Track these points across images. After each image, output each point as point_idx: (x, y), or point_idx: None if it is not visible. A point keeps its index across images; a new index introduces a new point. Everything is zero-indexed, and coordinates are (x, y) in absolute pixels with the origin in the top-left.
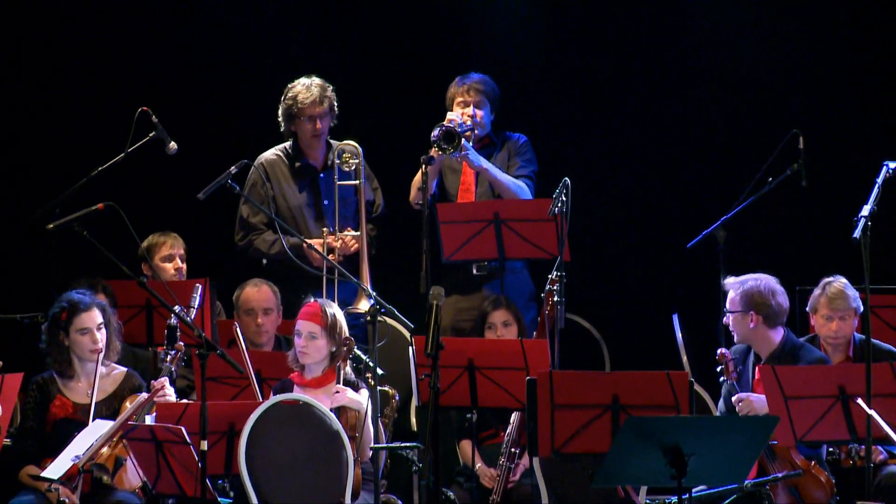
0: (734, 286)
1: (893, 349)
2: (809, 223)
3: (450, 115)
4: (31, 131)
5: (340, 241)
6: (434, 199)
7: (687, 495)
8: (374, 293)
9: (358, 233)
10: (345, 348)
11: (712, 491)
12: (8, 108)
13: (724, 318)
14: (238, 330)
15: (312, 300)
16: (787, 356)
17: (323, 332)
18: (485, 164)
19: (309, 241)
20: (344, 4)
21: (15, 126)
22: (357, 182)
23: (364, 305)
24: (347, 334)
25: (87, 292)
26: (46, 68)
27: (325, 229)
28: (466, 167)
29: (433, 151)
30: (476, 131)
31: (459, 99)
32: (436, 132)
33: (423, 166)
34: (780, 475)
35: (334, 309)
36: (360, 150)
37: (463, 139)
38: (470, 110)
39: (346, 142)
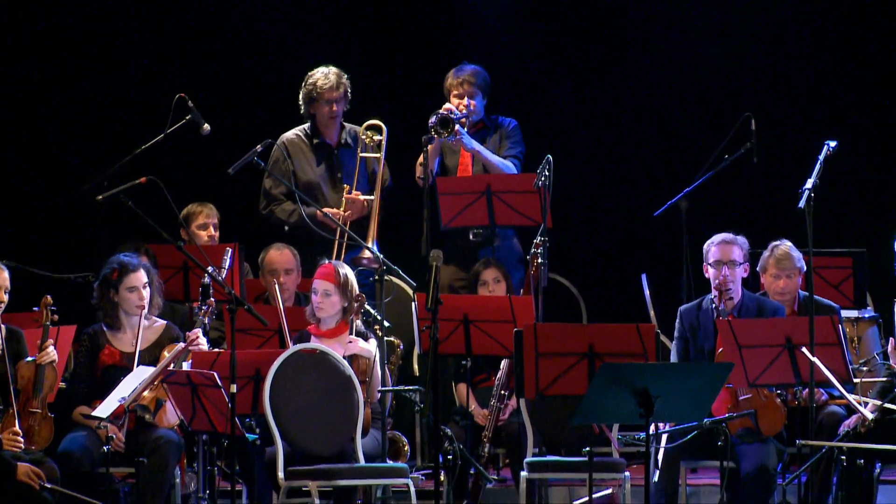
0: (739, 241)
1: (833, 304)
2: (760, 194)
3: (446, 105)
4: (84, 116)
5: (356, 195)
6: (434, 176)
7: (654, 432)
8: (382, 256)
9: (370, 197)
10: (356, 304)
11: (676, 428)
12: (64, 97)
13: (722, 272)
14: (278, 289)
15: (327, 262)
16: (751, 303)
17: (336, 290)
18: (477, 146)
19: (324, 209)
20: (357, 4)
21: (69, 112)
22: (378, 155)
23: (368, 254)
24: (358, 291)
25: (133, 255)
26: (96, 64)
27: (346, 186)
28: (463, 151)
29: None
30: (471, 118)
31: (455, 91)
32: (433, 119)
33: (425, 146)
34: (734, 414)
35: (346, 269)
36: (384, 128)
37: (458, 125)
38: (465, 100)
39: (372, 121)
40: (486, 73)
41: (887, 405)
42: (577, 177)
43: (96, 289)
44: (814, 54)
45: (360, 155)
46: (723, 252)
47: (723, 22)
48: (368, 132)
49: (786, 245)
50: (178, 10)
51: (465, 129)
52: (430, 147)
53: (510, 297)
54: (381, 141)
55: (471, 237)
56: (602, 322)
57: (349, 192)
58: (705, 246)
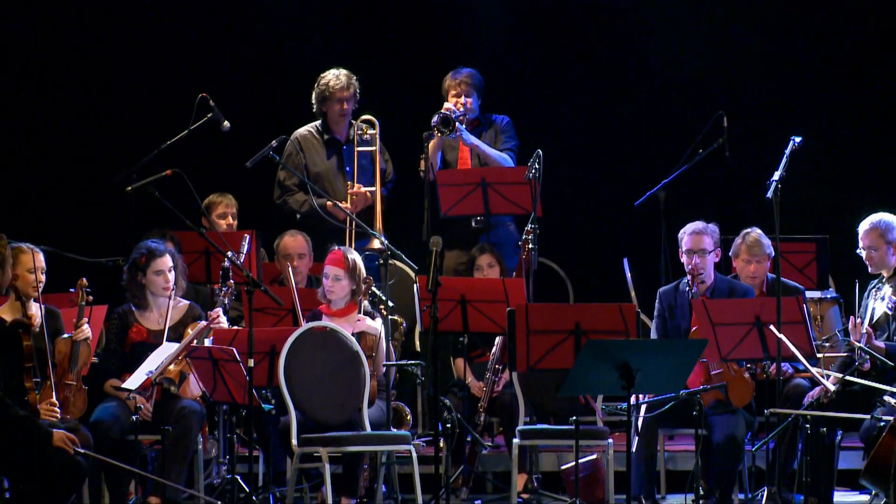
0: (709, 231)
1: (798, 286)
2: (731, 186)
3: (446, 105)
4: (115, 114)
5: (357, 188)
6: (436, 170)
7: (634, 402)
8: (386, 241)
9: (371, 188)
10: (364, 286)
11: (654, 399)
12: (97, 97)
13: (693, 260)
14: (291, 272)
15: (336, 248)
16: (723, 286)
17: (345, 274)
18: (476, 141)
19: (334, 200)
20: (364, 11)
21: (102, 111)
22: (373, 148)
23: (376, 244)
24: (365, 275)
25: (160, 241)
26: (127, 66)
27: (349, 183)
28: (463, 145)
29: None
30: (468, 115)
31: (453, 92)
32: (435, 119)
33: (426, 141)
34: (708, 387)
35: (354, 255)
36: (376, 122)
37: (457, 123)
38: (462, 99)
39: (364, 116)
40: (481, 76)
41: (848, 377)
42: (565, 169)
43: (126, 272)
44: (781, 58)
45: (357, 149)
46: (694, 242)
47: (697, 30)
48: (363, 125)
49: (756, 232)
50: (202, 20)
51: (464, 126)
52: (432, 143)
53: (503, 279)
54: (374, 134)
55: (473, 224)
56: (587, 302)
57: (352, 187)
58: (679, 234)
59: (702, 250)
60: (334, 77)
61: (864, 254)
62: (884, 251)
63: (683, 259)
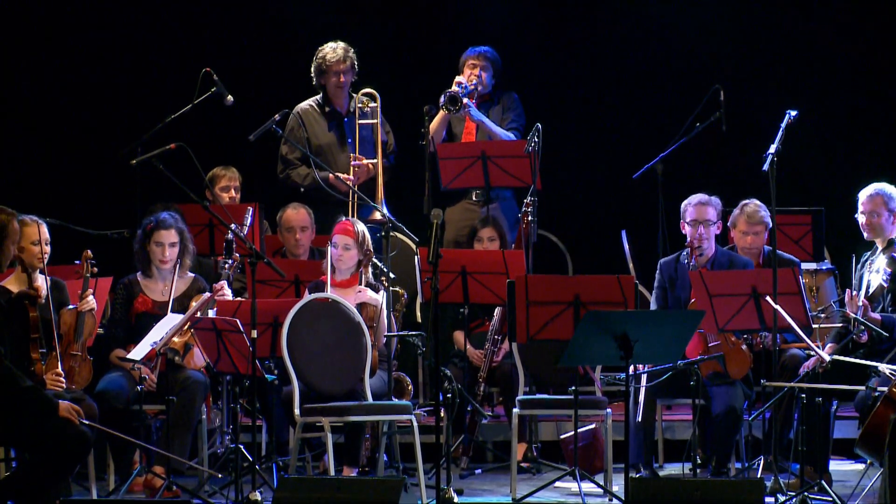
0: (713, 202)
1: (794, 258)
2: (728, 159)
3: (457, 79)
4: (120, 89)
5: (360, 159)
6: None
7: (632, 373)
8: (388, 214)
9: (373, 160)
10: (365, 258)
11: (653, 369)
12: (103, 72)
13: (697, 231)
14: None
15: (344, 219)
16: (724, 258)
17: (354, 243)
18: (482, 118)
19: (336, 174)
20: None
21: (108, 85)
22: (374, 121)
23: (378, 216)
24: (370, 247)
25: (175, 215)
26: (132, 41)
27: (351, 155)
28: (469, 121)
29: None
30: (478, 89)
31: (471, 62)
32: (443, 98)
33: (426, 115)
34: (705, 357)
35: (361, 226)
36: (377, 95)
37: (465, 99)
38: (477, 71)
39: (365, 90)
40: (497, 55)
41: (836, 357)
42: (564, 143)
43: (137, 238)
44: (776, 32)
45: (358, 122)
46: (698, 212)
47: (694, 3)
48: (364, 99)
49: (754, 204)
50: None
51: (473, 102)
52: (437, 118)
53: (503, 251)
54: (375, 107)
55: (472, 198)
56: (586, 274)
57: (354, 159)
58: (683, 205)
59: (706, 221)
60: (331, 50)
61: (863, 219)
62: (884, 218)
63: (687, 230)
